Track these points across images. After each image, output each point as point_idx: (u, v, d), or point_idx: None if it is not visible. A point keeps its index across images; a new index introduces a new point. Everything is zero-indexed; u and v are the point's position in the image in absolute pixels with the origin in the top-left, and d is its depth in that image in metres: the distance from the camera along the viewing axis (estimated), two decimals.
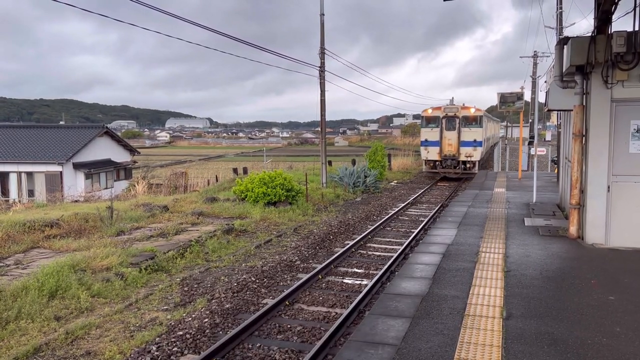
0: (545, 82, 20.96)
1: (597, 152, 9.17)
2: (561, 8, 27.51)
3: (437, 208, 19.87)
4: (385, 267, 11.01)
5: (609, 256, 8.54)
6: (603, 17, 9.20)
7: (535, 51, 43.69)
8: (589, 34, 9.33)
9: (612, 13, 9.21)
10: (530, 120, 43.09)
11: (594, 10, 9.73)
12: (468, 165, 28.81)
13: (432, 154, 29.31)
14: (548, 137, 61.50)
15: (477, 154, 28.67)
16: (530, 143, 29.19)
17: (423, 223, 16.37)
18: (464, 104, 29.53)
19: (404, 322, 5.67)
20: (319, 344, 7.21)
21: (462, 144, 28.60)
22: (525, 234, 10.29)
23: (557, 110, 16.18)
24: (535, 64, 40.76)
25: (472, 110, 28.85)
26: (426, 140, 29.56)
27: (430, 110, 29.73)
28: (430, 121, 29.51)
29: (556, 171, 22.27)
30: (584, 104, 9.37)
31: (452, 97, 29.36)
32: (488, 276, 7.35)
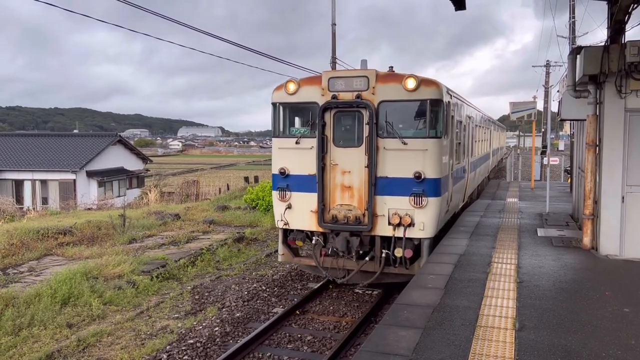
0: (558, 91, 20.86)
1: (611, 162, 9.07)
2: (574, 17, 27.41)
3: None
4: None
5: (623, 268, 8.43)
6: (616, 26, 9.15)
7: (547, 60, 43.53)
8: (602, 44, 9.28)
9: (626, 23, 9.15)
10: (542, 130, 42.83)
11: (607, 19, 9.68)
12: (398, 253, 9.48)
13: (299, 213, 10.07)
14: (561, 146, 61.03)
15: (425, 217, 9.49)
16: (543, 153, 28.98)
17: None
18: (391, 68, 10.04)
19: (415, 332, 5.63)
20: (329, 354, 7.19)
21: (380, 185, 9.55)
22: (538, 244, 10.19)
23: (570, 120, 16.06)
24: (547, 73, 40.59)
25: (411, 84, 9.31)
26: (283, 173, 10.13)
27: (292, 87, 10.07)
28: (293, 116, 10.58)
29: (569, 181, 22.06)
30: (597, 113, 9.30)
31: (365, 59, 10.20)
32: (500, 287, 7.28)
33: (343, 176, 9.72)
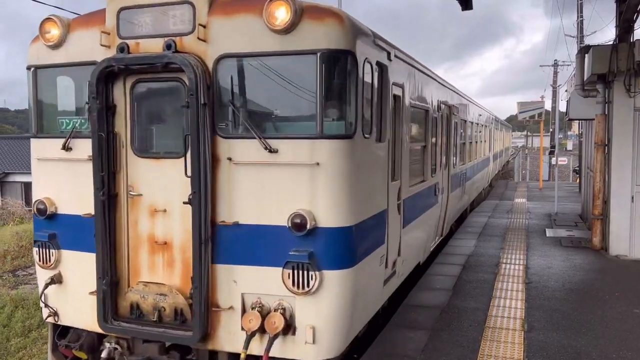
0: (566, 91, 20.75)
1: (620, 162, 9.01)
2: (582, 17, 27.27)
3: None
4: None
5: (633, 268, 8.37)
6: (625, 25, 9.10)
7: (555, 60, 43.36)
8: (611, 43, 9.22)
9: (634, 21, 9.10)
10: (551, 130, 42.63)
11: (616, 18, 9.63)
12: None
13: (76, 294, 5.05)
14: (569, 146, 60.69)
15: (318, 316, 4.42)
16: (551, 153, 28.82)
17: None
18: None
19: (423, 333, 5.61)
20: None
21: (223, 242, 4.59)
22: (546, 245, 10.13)
23: (579, 120, 15.98)
24: (555, 73, 40.42)
25: (281, 16, 4.25)
26: (43, 212, 5.11)
27: (54, 32, 4.98)
28: (67, 93, 5.33)
29: (578, 181, 21.93)
30: (606, 113, 9.24)
31: None
32: (509, 288, 7.25)
33: (153, 220, 4.89)
